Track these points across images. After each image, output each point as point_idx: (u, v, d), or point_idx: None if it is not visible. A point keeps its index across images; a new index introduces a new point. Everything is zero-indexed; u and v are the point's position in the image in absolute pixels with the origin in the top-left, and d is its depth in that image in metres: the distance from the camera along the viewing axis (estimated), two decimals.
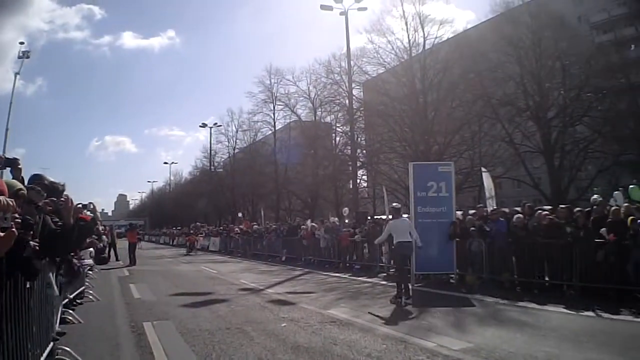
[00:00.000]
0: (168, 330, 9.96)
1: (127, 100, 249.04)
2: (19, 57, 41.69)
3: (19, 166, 6.78)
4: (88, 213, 7.90)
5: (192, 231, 50.15)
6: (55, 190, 8.13)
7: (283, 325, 10.15)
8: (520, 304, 12.48)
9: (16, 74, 42.12)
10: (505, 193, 46.88)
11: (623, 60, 39.35)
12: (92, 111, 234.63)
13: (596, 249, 13.27)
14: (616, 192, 17.70)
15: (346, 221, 28.58)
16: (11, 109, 38.98)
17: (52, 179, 8.46)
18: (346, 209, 33.57)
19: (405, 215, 17.43)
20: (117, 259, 30.21)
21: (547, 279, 14.66)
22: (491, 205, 19.69)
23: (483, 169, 23.49)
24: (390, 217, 17.50)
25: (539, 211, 16.50)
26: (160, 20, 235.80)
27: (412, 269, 16.47)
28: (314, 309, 11.96)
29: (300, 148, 56.07)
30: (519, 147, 37.16)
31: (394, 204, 16.21)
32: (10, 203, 3.72)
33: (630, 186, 16.37)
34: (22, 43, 45.38)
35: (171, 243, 63.66)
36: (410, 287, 13.65)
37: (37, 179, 7.86)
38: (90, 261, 14.82)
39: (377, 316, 11.18)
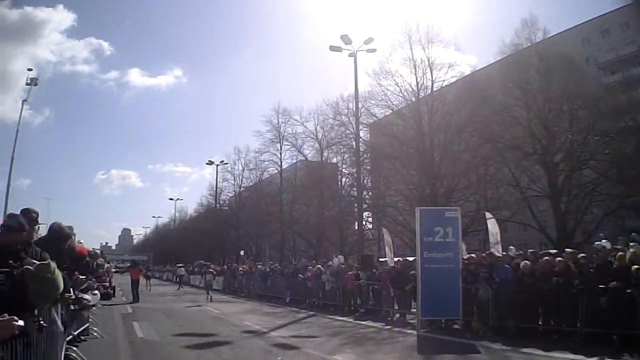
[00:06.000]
0: None
1: (133, 135, 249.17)
2: (27, 84, 41.70)
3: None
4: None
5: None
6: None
7: None
8: (526, 350, 12.38)
9: (23, 101, 42.33)
10: (511, 237, 46.60)
11: (630, 101, 39.41)
12: (99, 144, 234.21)
13: (600, 295, 13.26)
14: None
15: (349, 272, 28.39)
16: (17, 137, 39.01)
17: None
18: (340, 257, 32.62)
19: (411, 258, 17.40)
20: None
21: (552, 324, 14.61)
22: (498, 251, 19.58)
23: (488, 215, 23.36)
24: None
25: (545, 257, 16.50)
26: (168, 59, 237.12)
27: (418, 314, 16.47)
28: (319, 354, 11.87)
29: (306, 188, 56.08)
30: (525, 191, 37.03)
31: None
32: None
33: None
34: (30, 69, 45.39)
35: (175, 280, 63.16)
36: None
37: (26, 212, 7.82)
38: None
39: None
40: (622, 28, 55.03)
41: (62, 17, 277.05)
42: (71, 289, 8.69)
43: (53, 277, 4.48)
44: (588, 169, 35.33)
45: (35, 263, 4.85)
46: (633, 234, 18.15)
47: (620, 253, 14.27)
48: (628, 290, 12.79)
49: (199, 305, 27.91)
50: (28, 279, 4.36)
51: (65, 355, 9.50)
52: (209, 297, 31.86)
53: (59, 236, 9.03)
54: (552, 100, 35.61)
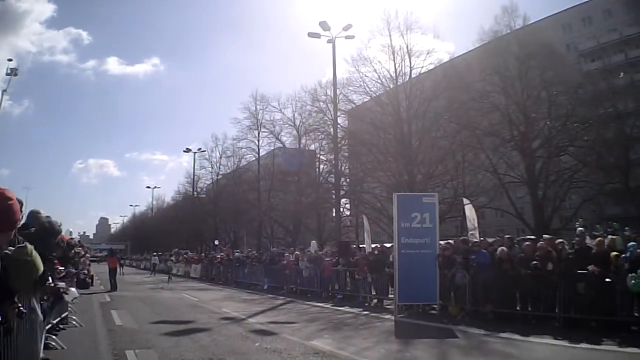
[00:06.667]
0: (150, 359, 9.87)
1: (111, 124, 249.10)
2: (7, 74, 41.59)
3: None
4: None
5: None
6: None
7: (266, 355, 10.08)
8: (504, 335, 12.46)
9: (3, 91, 42.04)
10: (489, 223, 47.01)
11: (611, 89, 39.84)
12: (77, 134, 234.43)
13: (579, 281, 13.37)
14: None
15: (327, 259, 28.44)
16: None
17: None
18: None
19: (388, 245, 17.44)
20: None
21: (530, 309, 14.71)
22: (475, 236, 19.70)
23: (465, 201, 23.45)
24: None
25: (527, 242, 16.63)
26: (145, 47, 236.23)
27: (395, 299, 16.55)
28: (297, 340, 11.86)
29: (284, 175, 56.03)
30: (503, 177, 37.27)
31: None
32: None
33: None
34: (10, 60, 45.11)
35: (152, 269, 62.89)
36: None
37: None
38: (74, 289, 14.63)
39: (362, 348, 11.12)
40: (604, 16, 55.56)
41: (43, 8, 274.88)
42: (50, 278, 8.61)
43: (31, 259, 4.46)
44: (567, 156, 35.59)
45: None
46: (614, 223, 18.37)
47: (599, 239, 14.38)
48: (607, 280, 12.89)
49: (169, 290, 28.06)
50: (8, 263, 4.33)
51: (44, 344, 9.44)
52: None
53: (49, 231, 8.94)
54: (531, 87, 35.82)
